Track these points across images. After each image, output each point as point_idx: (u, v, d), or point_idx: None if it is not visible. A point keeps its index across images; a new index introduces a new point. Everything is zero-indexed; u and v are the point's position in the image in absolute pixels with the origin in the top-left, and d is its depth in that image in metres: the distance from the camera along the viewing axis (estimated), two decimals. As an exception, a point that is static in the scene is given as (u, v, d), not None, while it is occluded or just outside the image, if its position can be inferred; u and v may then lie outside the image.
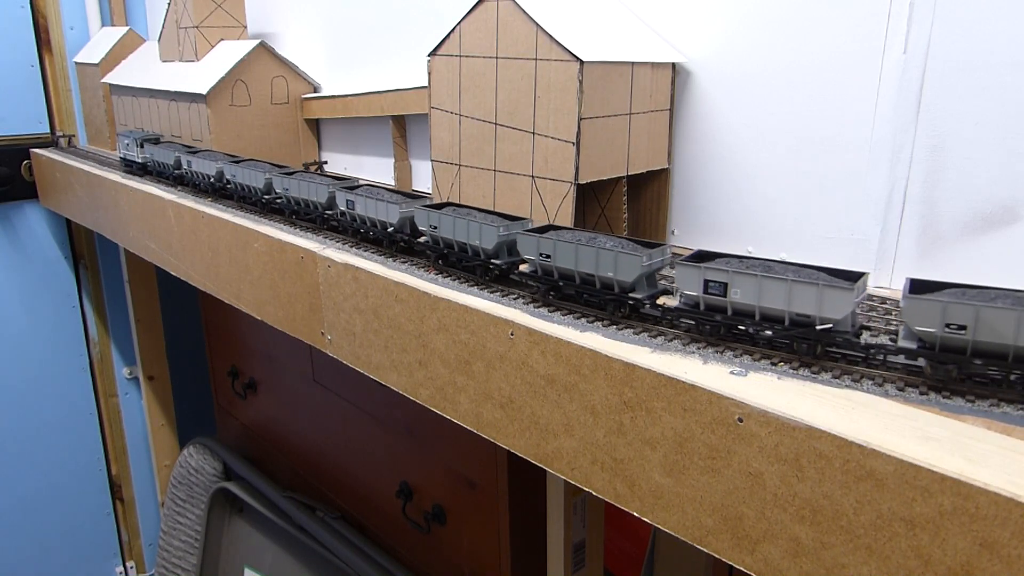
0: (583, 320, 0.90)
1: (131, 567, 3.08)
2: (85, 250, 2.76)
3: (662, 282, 0.98)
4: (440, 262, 1.11)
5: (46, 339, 2.72)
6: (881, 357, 0.76)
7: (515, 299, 0.98)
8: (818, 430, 0.63)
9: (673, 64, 1.18)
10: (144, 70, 2.16)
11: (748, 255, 0.89)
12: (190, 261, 1.61)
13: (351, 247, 1.25)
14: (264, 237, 1.33)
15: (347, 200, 1.25)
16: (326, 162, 2.00)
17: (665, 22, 1.20)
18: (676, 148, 1.23)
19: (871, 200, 1.01)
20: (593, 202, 1.22)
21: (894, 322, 0.85)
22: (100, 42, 2.43)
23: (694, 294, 0.82)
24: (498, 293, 1.01)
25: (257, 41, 1.85)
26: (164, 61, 2.11)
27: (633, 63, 1.11)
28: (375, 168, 1.84)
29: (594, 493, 0.84)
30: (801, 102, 1.06)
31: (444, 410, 1.04)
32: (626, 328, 0.87)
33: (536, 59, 1.09)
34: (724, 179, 1.17)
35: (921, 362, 0.73)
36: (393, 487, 1.91)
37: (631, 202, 1.23)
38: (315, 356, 2.12)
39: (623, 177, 1.17)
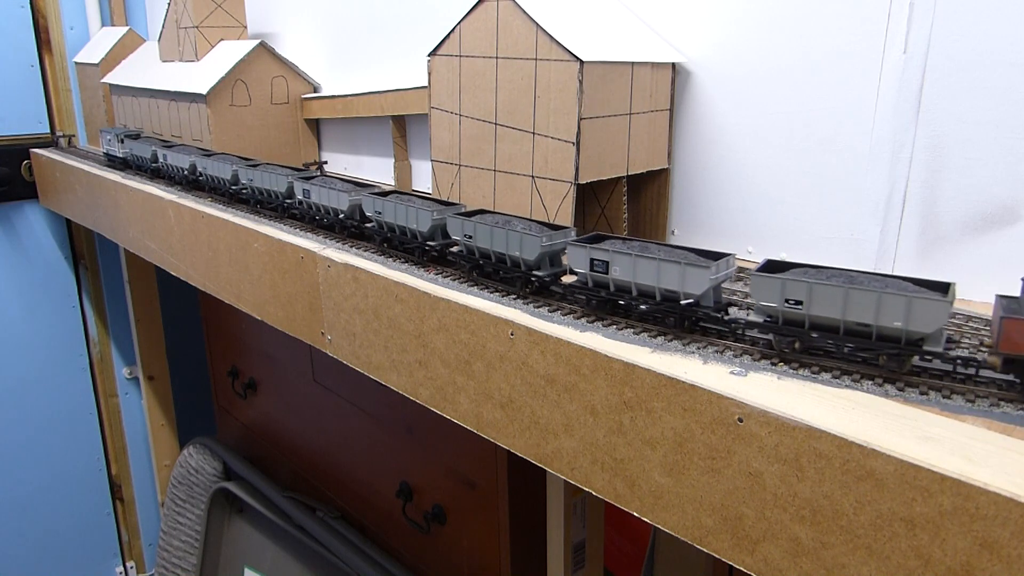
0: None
1: (131, 567, 3.08)
2: (85, 250, 2.76)
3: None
4: (385, 245, 1.22)
5: (46, 339, 2.72)
6: (741, 331, 0.83)
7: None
8: (818, 430, 0.63)
9: (673, 64, 1.18)
10: (144, 70, 2.16)
11: (633, 240, 0.94)
12: (190, 261, 1.61)
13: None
14: (264, 237, 1.33)
15: (303, 189, 1.34)
16: (326, 162, 2.00)
17: (665, 22, 1.20)
18: (676, 148, 1.23)
19: (871, 200, 1.01)
20: (593, 202, 1.22)
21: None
22: (100, 42, 2.43)
23: (583, 272, 0.91)
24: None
25: (257, 41, 1.85)
26: (164, 61, 2.11)
27: (633, 63, 1.11)
28: (375, 168, 1.84)
29: (594, 493, 0.84)
30: (801, 102, 1.06)
31: (444, 410, 1.04)
32: (626, 328, 0.87)
33: (536, 59, 1.09)
34: (724, 179, 1.17)
35: (770, 335, 0.80)
36: (393, 487, 1.91)
37: (631, 202, 1.23)
38: (315, 356, 2.12)
39: (623, 177, 1.17)
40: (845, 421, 0.64)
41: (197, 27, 1.93)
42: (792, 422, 0.65)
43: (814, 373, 0.75)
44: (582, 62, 1.03)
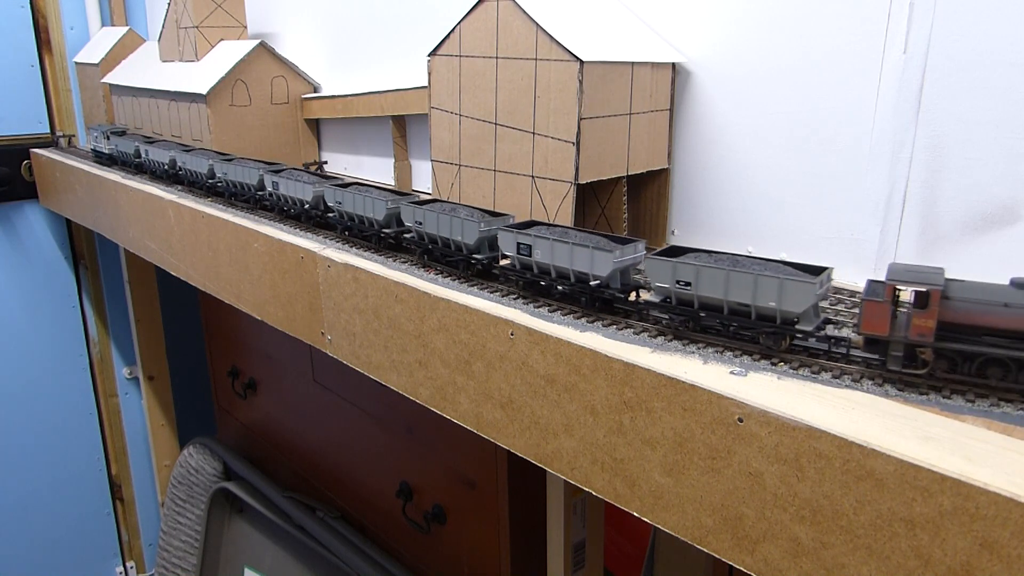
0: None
1: (131, 567, 3.08)
2: (85, 250, 2.76)
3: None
4: (346, 233, 1.30)
5: (46, 339, 2.72)
6: (645, 311, 0.90)
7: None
8: (818, 430, 0.63)
9: (673, 64, 1.18)
10: (144, 70, 2.16)
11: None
12: (190, 261, 1.61)
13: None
14: (264, 237, 1.33)
15: (273, 182, 1.43)
16: (326, 162, 2.00)
17: (665, 22, 1.20)
18: (676, 148, 1.23)
19: (871, 200, 1.01)
20: (593, 202, 1.22)
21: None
22: (100, 42, 2.43)
23: (511, 255, 0.99)
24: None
25: (257, 41, 1.85)
26: (164, 61, 2.11)
27: (633, 63, 1.11)
28: (375, 168, 1.84)
29: (594, 493, 0.84)
30: (801, 102, 1.06)
31: (444, 410, 1.04)
32: (626, 328, 0.87)
33: (536, 59, 1.09)
34: (724, 179, 1.17)
35: (667, 315, 0.85)
36: (393, 487, 1.91)
37: (631, 202, 1.23)
38: (315, 356, 2.12)
39: (623, 177, 1.17)
40: (845, 421, 0.64)
41: (197, 27, 1.93)
42: (792, 422, 0.65)
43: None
44: (582, 62, 1.03)
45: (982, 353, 0.69)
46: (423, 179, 1.71)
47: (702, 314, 0.82)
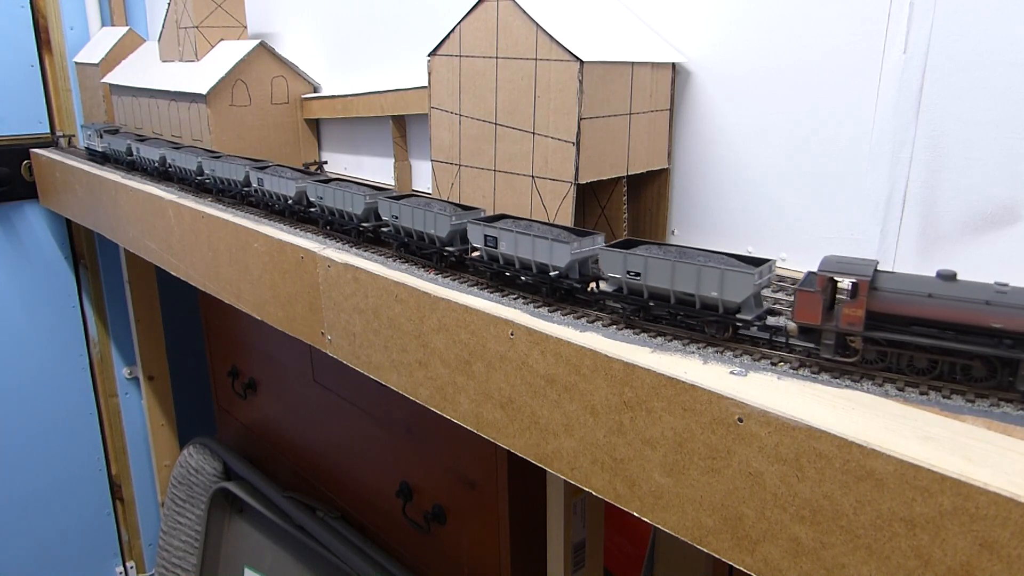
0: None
1: (131, 567, 3.08)
2: (85, 250, 2.76)
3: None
4: (328, 227, 1.34)
5: (46, 339, 2.72)
6: (601, 301, 0.94)
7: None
8: (818, 430, 0.63)
9: (673, 64, 1.18)
10: (144, 70, 2.16)
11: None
12: (190, 261, 1.61)
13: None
14: (264, 237, 1.33)
15: (258, 178, 1.47)
16: (326, 162, 2.00)
17: (665, 22, 1.20)
18: (676, 148, 1.23)
19: (871, 200, 1.01)
20: (593, 202, 1.22)
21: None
22: (100, 42, 2.43)
23: (480, 247, 1.03)
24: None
25: (257, 41, 1.85)
26: (164, 61, 2.11)
27: (633, 63, 1.11)
28: (375, 168, 1.84)
29: (594, 493, 0.84)
30: (801, 102, 1.06)
31: (444, 410, 1.04)
32: (625, 328, 0.87)
33: (536, 59, 1.09)
34: (724, 179, 1.17)
35: (620, 304, 0.90)
36: (393, 487, 1.91)
37: (631, 202, 1.23)
38: (315, 356, 2.12)
39: (623, 177, 1.17)
40: (845, 421, 0.64)
41: (197, 27, 1.93)
42: (792, 422, 0.65)
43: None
44: (582, 62, 1.03)
45: (909, 342, 0.72)
46: (423, 179, 1.71)
47: (651, 303, 0.86)
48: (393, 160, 1.74)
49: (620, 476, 0.81)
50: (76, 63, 2.51)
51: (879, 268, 0.76)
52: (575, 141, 1.06)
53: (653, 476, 0.77)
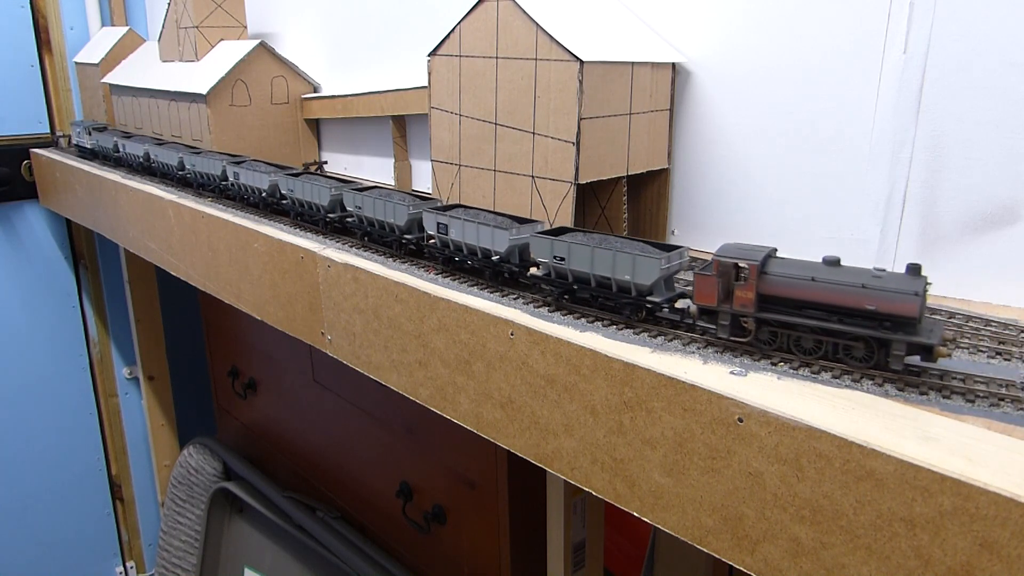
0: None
1: (131, 567, 3.08)
2: (85, 250, 2.76)
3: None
4: (298, 218, 1.42)
5: (46, 339, 2.72)
6: (534, 284, 1.00)
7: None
8: (818, 430, 0.63)
9: (673, 64, 1.18)
10: (144, 70, 2.16)
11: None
12: (190, 261, 1.61)
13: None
14: (264, 237, 1.33)
15: (234, 172, 1.55)
16: (326, 162, 2.00)
17: (665, 22, 1.20)
18: (676, 148, 1.23)
19: (871, 200, 1.01)
20: (593, 202, 1.22)
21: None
22: (100, 42, 2.43)
23: (434, 234, 1.11)
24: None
25: (257, 41, 1.85)
26: (164, 61, 2.11)
27: (633, 63, 1.11)
28: (375, 168, 1.84)
29: (594, 493, 0.84)
30: (801, 102, 1.06)
31: (444, 410, 1.04)
32: (625, 328, 0.87)
33: (536, 59, 1.09)
34: (724, 179, 1.17)
35: (549, 287, 0.96)
36: (393, 487, 1.91)
37: (631, 202, 1.23)
38: (315, 356, 2.12)
39: (623, 177, 1.17)
40: (845, 421, 0.64)
41: (197, 27, 1.93)
42: (792, 422, 0.65)
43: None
44: (582, 62, 1.03)
45: (796, 323, 0.77)
46: (423, 179, 1.71)
47: (575, 287, 0.93)
48: (393, 160, 1.74)
49: (620, 476, 0.81)
50: (76, 63, 2.51)
51: (776, 255, 0.81)
52: (575, 141, 1.06)
53: (653, 476, 0.77)
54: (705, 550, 0.74)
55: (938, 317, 0.89)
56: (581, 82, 1.04)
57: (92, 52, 2.41)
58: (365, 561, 1.96)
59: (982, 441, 0.61)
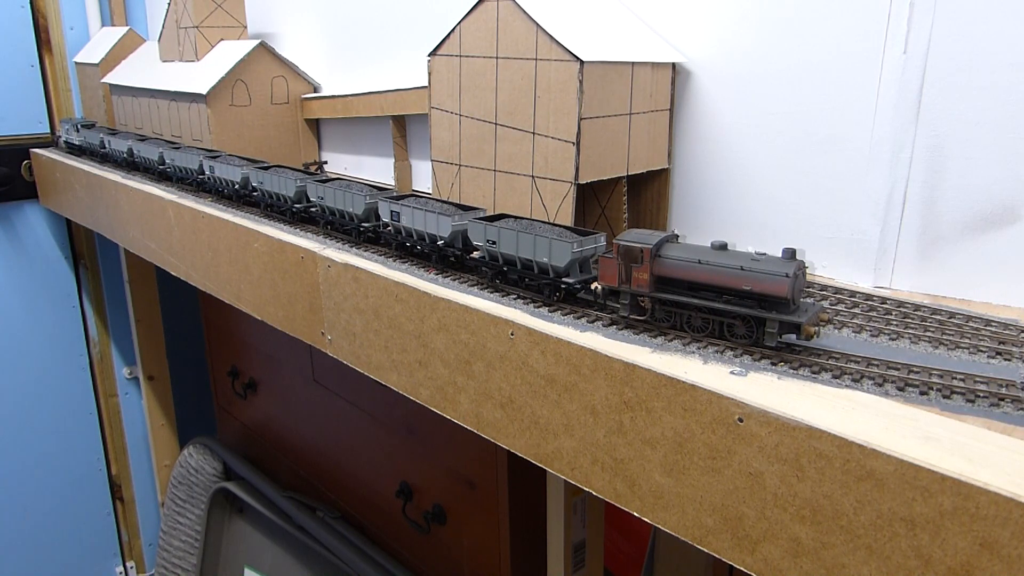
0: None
1: (131, 567, 3.08)
2: (85, 250, 2.76)
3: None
4: (268, 209, 1.49)
5: (46, 339, 2.72)
6: (473, 266, 1.08)
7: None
8: (818, 430, 0.63)
9: (673, 64, 1.18)
10: (144, 70, 2.16)
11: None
12: (190, 261, 1.61)
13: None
14: (264, 237, 1.33)
15: (209, 166, 1.63)
16: (326, 162, 2.00)
17: (665, 22, 1.20)
18: (676, 148, 1.23)
19: (871, 200, 1.01)
20: (593, 202, 1.22)
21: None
22: (100, 42, 2.43)
23: (387, 220, 1.19)
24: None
25: (257, 41, 1.85)
26: (164, 61, 2.11)
27: (633, 63, 1.11)
28: (375, 168, 1.84)
29: (594, 493, 0.84)
30: (801, 102, 1.06)
31: (444, 410, 1.04)
32: (625, 328, 0.87)
33: (536, 59, 1.09)
34: (724, 179, 1.17)
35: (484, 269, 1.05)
36: (393, 487, 1.91)
37: (631, 202, 1.23)
38: (315, 356, 2.12)
39: (623, 177, 1.17)
40: (845, 421, 0.64)
41: (197, 27, 1.93)
42: (792, 422, 0.65)
43: (808, 372, 0.75)
44: (582, 62, 1.03)
45: (686, 303, 0.84)
46: (423, 179, 1.71)
47: (505, 268, 1.01)
48: (393, 160, 1.74)
49: (620, 476, 0.81)
50: (76, 63, 2.51)
51: (674, 240, 0.88)
52: (575, 141, 1.06)
53: (653, 476, 0.77)
54: (705, 550, 0.74)
55: (824, 302, 0.96)
56: (581, 82, 1.04)
57: (92, 52, 2.41)
58: (365, 561, 1.96)
59: (982, 441, 0.61)
